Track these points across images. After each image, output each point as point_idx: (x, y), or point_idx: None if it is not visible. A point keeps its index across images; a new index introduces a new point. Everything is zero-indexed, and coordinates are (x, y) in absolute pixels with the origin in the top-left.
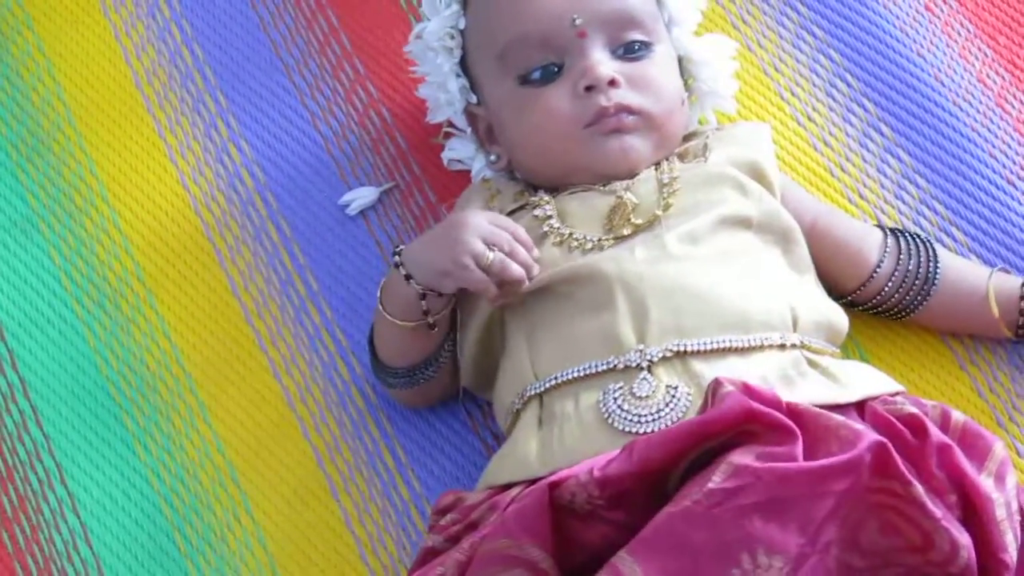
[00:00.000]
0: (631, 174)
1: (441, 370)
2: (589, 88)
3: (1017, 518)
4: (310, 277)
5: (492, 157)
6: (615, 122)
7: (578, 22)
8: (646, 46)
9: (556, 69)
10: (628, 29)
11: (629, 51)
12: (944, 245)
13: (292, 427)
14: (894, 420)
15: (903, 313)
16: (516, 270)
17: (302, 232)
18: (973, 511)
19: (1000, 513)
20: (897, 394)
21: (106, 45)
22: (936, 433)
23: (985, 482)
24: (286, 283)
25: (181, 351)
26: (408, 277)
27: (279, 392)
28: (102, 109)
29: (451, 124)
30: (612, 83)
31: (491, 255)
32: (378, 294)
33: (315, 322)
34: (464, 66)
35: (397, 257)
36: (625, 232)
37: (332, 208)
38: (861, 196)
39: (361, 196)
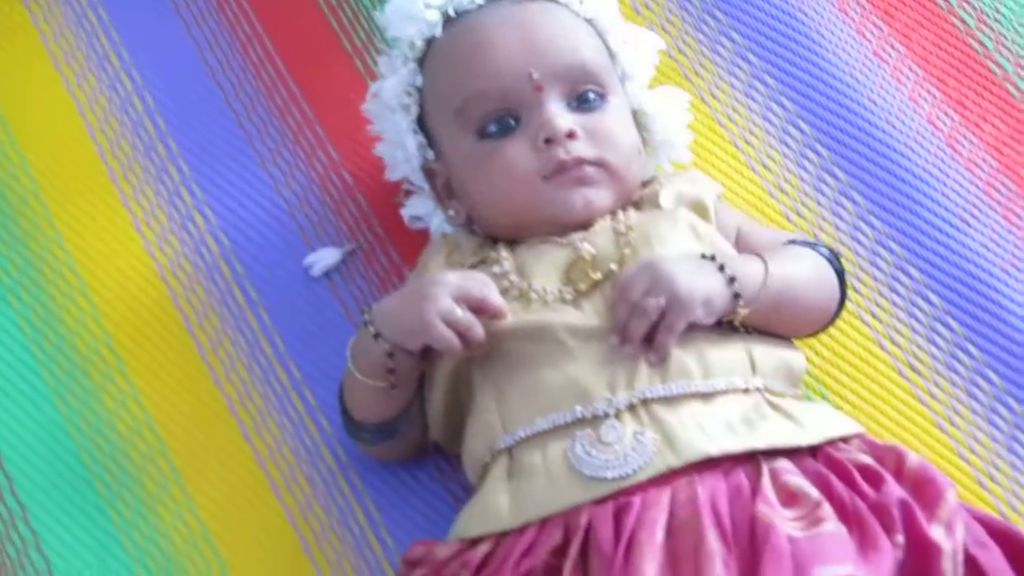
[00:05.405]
0: (589, 225)
1: (413, 424)
2: (548, 140)
3: (961, 571)
4: (277, 339)
5: (450, 212)
6: (577, 173)
7: (535, 77)
8: (601, 97)
9: (514, 123)
10: (583, 82)
11: (584, 101)
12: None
13: (264, 488)
14: (848, 464)
15: None
16: (479, 332)
17: (268, 296)
18: (920, 559)
19: (946, 565)
20: (855, 436)
21: (69, 118)
22: (894, 488)
23: (935, 531)
24: (253, 346)
25: (152, 417)
26: (377, 335)
27: (250, 454)
28: (67, 182)
29: (409, 182)
30: (571, 135)
31: (460, 313)
32: (348, 352)
33: (283, 383)
34: (421, 123)
35: (366, 315)
36: (583, 287)
37: (297, 271)
38: (816, 239)
39: (324, 257)
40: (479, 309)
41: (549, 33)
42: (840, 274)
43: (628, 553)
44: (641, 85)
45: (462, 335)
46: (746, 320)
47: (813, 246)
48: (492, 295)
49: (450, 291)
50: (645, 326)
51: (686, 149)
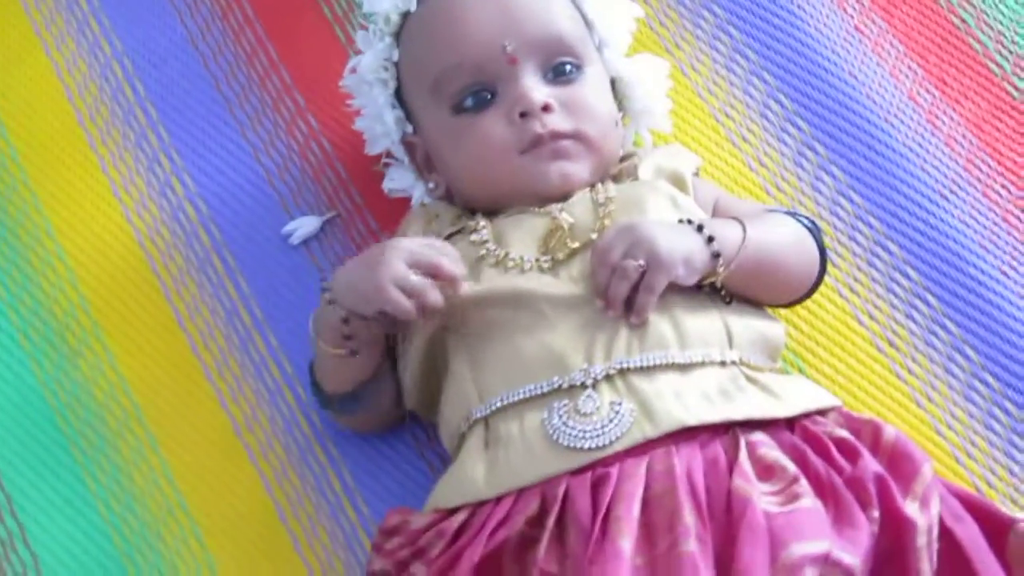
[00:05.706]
0: (567, 196)
1: (380, 395)
2: (523, 114)
3: (935, 545)
4: (255, 307)
5: (430, 185)
6: (553, 147)
7: (509, 49)
8: (577, 68)
9: (489, 96)
10: (559, 53)
11: (560, 73)
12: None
13: (240, 455)
14: (824, 437)
15: None
16: (435, 296)
17: (246, 263)
18: (894, 534)
19: (920, 540)
20: (832, 409)
21: (48, 84)
22: (870, 463)
23: (910, 507)
24: (231, 313)
25: (128, 382)
26: (331, 301)
27: (226, 421)
28: (46, 147)
29: (389, 154)
30: (546, 108)
31: (414, 278)
32: (310, 321)
33: (260, 351)
34: (400, 97)
35: (324, 283)
36: (560, 256)
37: (275, 239)
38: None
39: (303, 226)
40: (436, 276)
41: (524, 4)
42: (820, 242)
43: (605, 527)
44: (619, 53)
45: (419, 300)
46: (726, 283)
47: (793, 215)
48: (445, 262)
49: (404, 256)
50: (626, 288)
51: (665, 117)
